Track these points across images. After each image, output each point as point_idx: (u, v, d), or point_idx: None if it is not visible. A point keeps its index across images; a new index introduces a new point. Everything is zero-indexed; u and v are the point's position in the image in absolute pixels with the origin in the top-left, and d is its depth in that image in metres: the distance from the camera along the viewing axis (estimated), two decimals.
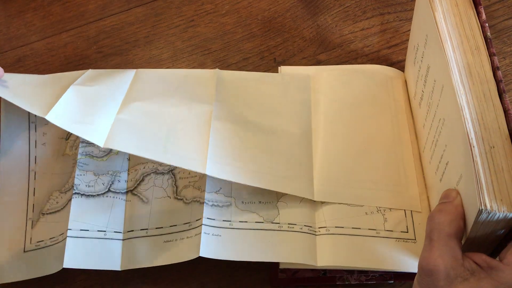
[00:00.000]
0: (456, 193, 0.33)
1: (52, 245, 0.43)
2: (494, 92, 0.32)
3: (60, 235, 0.43)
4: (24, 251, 0.44)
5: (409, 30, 0.55)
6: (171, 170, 0.46)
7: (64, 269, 0.41)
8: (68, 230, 0.42)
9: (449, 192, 0.34)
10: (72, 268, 0.41)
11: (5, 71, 0.50)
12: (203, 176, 0.44)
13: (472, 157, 0.30)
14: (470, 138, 0.31)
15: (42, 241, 0.44)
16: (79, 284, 0.45)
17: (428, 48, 0.40)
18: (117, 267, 0.42)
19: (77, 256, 0.41)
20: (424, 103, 0.43)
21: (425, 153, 0.44)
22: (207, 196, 0.43)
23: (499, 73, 0.33)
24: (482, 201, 0.28)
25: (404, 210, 0.43)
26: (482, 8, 0.36)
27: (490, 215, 0.29)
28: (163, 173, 0.46)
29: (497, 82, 0.33)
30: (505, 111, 0.31)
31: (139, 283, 0.45)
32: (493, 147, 0.30)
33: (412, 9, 0.56)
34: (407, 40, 0.55)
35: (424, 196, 0.44)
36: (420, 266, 0.31)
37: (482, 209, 0.28)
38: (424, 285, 0.30)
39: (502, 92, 0.32)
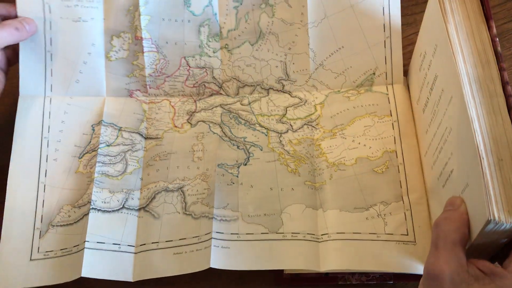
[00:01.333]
0: (461, 201, 0.34)
1: (64, 255, 0.46)
2: (503, 106, 0.34)
3: (74, 246, 0.46)
4: (30, 259, 0.46)
5: (411, 35, 0.57)
6: (180, 188, 0.48)
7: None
8: (86, 242, 0.45)
9: (454, 200, 0.35)
10: None
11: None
12: (210, 194, 0.47)
13: (482, 169, 0.31)
14: (479, 150, 0.32)
15: (52, 251, 0.46)
16: (95, 284, 0.46)
17: (437, 57, 0.41)
18: (130, 279, 0.45)
19: (94, 266, 0.44)
20: (428, 110, 0.44)
21: (426, 158, 0.45)
22: (215, 211, 0.46)
23: (509, 88, 0.34)
24: (490, 211, 0.30)
25: (404, 213, 0.44)
26: (493, 22, 0.37)
27: (497, 226, 0.30)
28: (173, 191, 0.48)
29: (507, 96, 0.34)
30: None
31: (153, 284, 0.46)
32: (502, 159, 0.32)
33: (413, 14, 0.58)
34: (409, 45, 0.56)
35: (423, 200, 0.45)
36: (426, 271, 0.32)
37: (490, 219, 0.30)
38: None
39: (511, 107, 0.33)
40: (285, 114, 0.51)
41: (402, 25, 0.58)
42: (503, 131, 0.33)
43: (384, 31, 0.50)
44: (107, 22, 0.51)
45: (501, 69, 0.35)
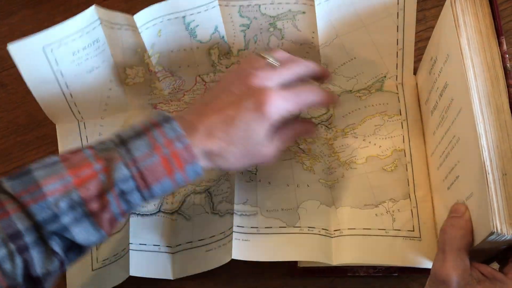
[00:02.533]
0: (465, 209, 0.37)
1: (116, 260, 0.50)
2: (509, 122, 0.36)
3: (122, 250, 0.50)
4: (92, 270, 0.51)
5: (420, 31, 0.58)
6: (207, 189, 0.52)
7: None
8: (130, 244, 0.49)
9: (459, 207, 0.38)
10: None
11: None
12: (232, 191, 0.50)
13: (487, 183, 0.34)
14: (486, 165, 0.35)
15: (107, 259, 0.51)
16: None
17: (448, 67, 0.43)
18: (169, 277, 0.50)
19: (139, 266, 0.48)
20: (437, 114, 0.46)
21: (433, 158, 0.48)
22: (236, 207, 0.49)
23: None
24: (493, 224, 0.33)
25: (411, 210, 0.47)
26: (504, 39, 0.39)
27: (499, 236, 0.33)
28: (200, 193, 0.52)
29: None
30: None
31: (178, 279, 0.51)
32: (505, 174, 0.35)
33: (423, 10, 0.59)
34: (418, 41, 0.57)
35: (428, 197, 0.48)
36: (433, 275, 0.36)
37: (493, 231, 0.33)
38: None
39: None
40: (300, 114, 0.53)
41: None
42: (508, 146, 0.35)
43: (397, 44, 0.50)
44: (117, 58, 0.50)
45: (509, 86, 0.37)
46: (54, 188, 0.35)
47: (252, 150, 0.40)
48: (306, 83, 0.45)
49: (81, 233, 0.36)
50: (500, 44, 0.39)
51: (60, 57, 0.48)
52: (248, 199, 0.50)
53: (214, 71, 0.53)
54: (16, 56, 0.46)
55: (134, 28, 0.47)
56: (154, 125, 0.38)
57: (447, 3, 0.42)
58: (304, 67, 0.44)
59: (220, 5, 0.48)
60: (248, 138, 0.40)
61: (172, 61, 0.52)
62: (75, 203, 0.35)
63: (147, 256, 0.49)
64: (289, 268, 0.49)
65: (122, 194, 0.37)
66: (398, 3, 0.47)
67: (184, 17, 0.48)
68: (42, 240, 0.35)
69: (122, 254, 0.50)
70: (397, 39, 0.49)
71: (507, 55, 0.38)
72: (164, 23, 0.48)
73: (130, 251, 0.49)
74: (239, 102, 0.39)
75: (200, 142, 0.38)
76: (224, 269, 0.48)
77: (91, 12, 0.46)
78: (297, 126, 0.46)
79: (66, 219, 0.35)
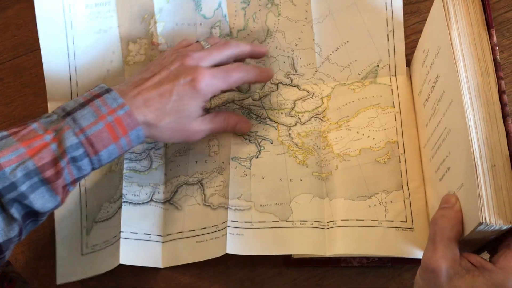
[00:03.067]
0: (456, 199, 0.38)
1: (107, 246, 0.50)
2: (499, 114, 0.37)
3: (113, 237, 0.50)
4: (82, 254, 0.51)
5: (414, 24, 0.58)
6: (199, 181, 0.52)
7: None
8: (121, 232, 0.49)
9: (449, 198, 0.39)
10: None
11: (35, 71, 0.58)
12: (226, 185, 0.51)
13: (476, 174, 0.35)
14: (475, 157, 0.35)
15: (97, 245, 0.51)
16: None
17: (440, 59, 0.43)
18: (159, 265, 0.50)
19: (130, 254, 0.49)
20: (429, 106, 0.47)
21: (425, 150, 0.49)
22: (230, 202, 0.50)
23: (505, 97, 0.37)
24: (483, 214, 0.33)
25: (404, 201, 0.48)
26: (494, 31, 0.39)
27: (488, 226, 0.34)
28: (193, 184, 0.52)
29: (502, 105, 0.37)
30: (507, 134, 0.36)
31: (173, 268, 0.51)
32: (495, 165, 0.35)
33: (417, 3, 0.59)
34: (412, 34, 0.57)
35: (421, 188, 0.49)
36: (424, 264, 0.36)
37: (482, 222, 0.33)
38: (426, 279, 0.36)
39: (506, 115, 0.36)
40: (294, 107, 0.54)
41: (405, 14, 0.59)
42: (498, 138, 0.36)
43: (387, 25, 0.52)
44: (123, 29, 0.54)
45: (499, 78, 0.38)
46: (9, 159, 0.37)
47: (184, 123, 0.45)
48: (240, 63, 0.50)
49: (39, 199, 0.38)
50: (490, 36, 0.39)
51: (74, 5, 0.52)
52: (242, 194, 0.50)
53: None
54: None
55: None
56: (96, 96, 0.42)
57: None
58: (235, 48, 0.49)
59: None
60: (182, 111, 0.45)
61: (175, 35, 0.54)
62: (31, 172, 0.38)
63: (137, 245, 0.50)
64: (284, 258, 0.50)
65: (74, 161, 0.40)
66: None
67: None
68: (2, 207, 0.37)
69: (112, 241, 0.50)
70: (387, 19, 0.52)
71: (497, 47, 0.39)
72: None
73: (120, 239, 0.49)
74: (174, 79, 0.44)
75: (138, 111, 0.43)
76: (219, 260, 0.49)
77: None
78: (232, 118, 0.51)
79: (23, 187, 0.37)
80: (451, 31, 0.40)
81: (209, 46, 0.49)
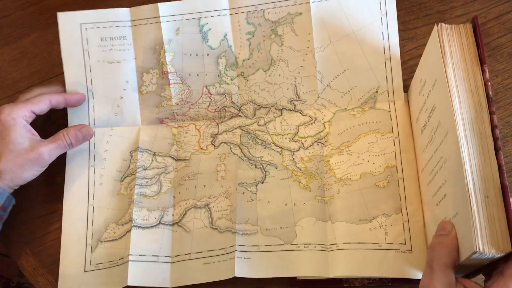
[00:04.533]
0: (452, 227, 0.40)
1: (112, 267, 0.53)
2: (491, 147, 0.39)
3: (119, 259, 0.53)
4: (84, 271, 0.53)
5: (411, 49, 0.61)
6: (207, 205, 0.54)
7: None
8: (130, 255, 0.52)
9: (445, 225, 0.41)
10: None
11: None
12: (233, 210, 0.53)
13: (470, 205, 0.37)
14: (469, 188, 0.37)
15: (101, 263, 0.53)
16: None
17: (436, 91, 0.45)
18: (168, 285, 0.52)
19: (138, 276, 0.51)
20: (426, 133, 0.49)
21: (423, 174, 0.51)
22: (237, 226, 0.52)
23: (497, 131, 0.39)
24: (477, 244, 0.36)
25: (403, 224, 0.50)
26: (486, 67, 0.42)
27: (482, 255, 0.36)
28: (200, 207, 0.54)
29: (495, 139, 0.39)
30: (499, 167, 0.38)
31: None
32: (488, 196, 0.37)
33: (414, 28, 0.61)
34: (409, 59, 0.60)
35: (419, 211, 0.51)
36: None
37: (476, 251, 0.35)
38: None
39: (498, 149, 0.38)
40: (297, 133, 0.56)
41: (403, 39, 0.61)
42: (490, 170, 0.38)
43: (384, 53, 0.55)
44: (138, 61, 0.58)
45: (491, 113, 0.40)
46: None
47: (21, 152, 0.51)
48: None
49: None
50: (483, 72, 0.42)
51: (90, 38, 0.58)
52: (249, 219, 0.53)
53: (220, 82, 0.57)
54: (61, 24, 0.58)
55: (157, 20, 0.57)
56: None
57: (434, 31, 0.44)
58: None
59: (231, 14, 0.56)
60: (8, 144, 0.51)
61: (184, 65, 0.58)
62: None
63: (146, 266, 0.52)
64: (289, 279, 0.52)
65: None
66: (380, 8, 0.54)
67: (199, 18, 0.56)
68: None
69: (119, 263, 0.53)
70: (384, 47, 0.55)
71: (489, 83, 0.41)
72: (182, 22, 0.56)
73: (129, 262, 0.52)
74: None
75: None
76: (227, 281, 0.51)
77: (125, 12, 0.58)
78: (70, 130, 0.55)
79: None
80: (446, 67, 0.42)
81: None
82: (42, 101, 0.54)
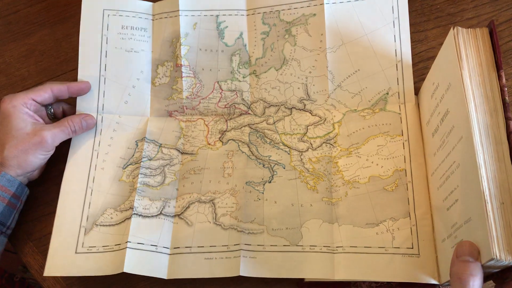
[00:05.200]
0: (478, 253, 0.38)
1: (105, 252, 0.52)
2: (507, 154, 0.38)
3: (115, 245, 0.52)
4: (75, 252, 0.52)
5: (422, 52, 0.60)
6: (212, 200, 0.54)
7: (125, 274, 0.50)
8: (128, 243, 0.51)
9: (472, 251, 0.38)
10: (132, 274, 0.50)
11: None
12: (239, 208, 0.53)
13: (486, 212, 0.37)
14: (485, 195, 0.37)
15: (95, 247, 0.52)
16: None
17: (450, 95, 0.45)
18: (164, 276, 0.51)
19: (134, 263, 0.50)
20: (438, 137, 0.49)
21: (433, 178, 0.50)
22: (244, 225, 0.52)
23: None
24: (494, 251, 0.35)
25: (411, 228, 0.50)
26: (503, 72, 0.41)
27: (497, 262, 0.36)
28: (205, 202, 0.54)
29: (510, 145, 0.39)
30: None
31: (189, 286, 0.53)
32: (503, 203, 0.37)
33: (425, 31, 0.61)
34: (419, 62, 0.59)
35: (428, 215, 0.50)
36: None
37: (493, 258, 0.35)
38: None
39: None
40: (306, 133, 0.55)
41: (413, 42, 0.61)
42: (506, 177, 0.38)
43: (396, 55, 0.55)
44: (154, 54, 0.58)
45: (507, 118, 0.40)
46: None
47: (24, 137, 0.51)
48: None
49: None
50: (499, 77, 0.41)
51: (111, 25, 0.58)
52: (255, 218, 0.52)
53: (232, 79, 0.57)
54: (84, 7, 0.59)
55: (176, 13, 0.58)
56: None
57: (450, 34, 0.44)
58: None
59: (248, 14, 0.57)
60: (10, 130, 0.51)
61: (198, 60, 0.58)
62: None
63: (143, 255, 0.51)
64: (297, 281, 0.52)
65: None
66: (393, 12, 0.55)
67: (217, 16, 0.57)
68: None
69: (114, 249, 0.52)
70: (395, 50, 0.55)
71: (505, 89, 0.41)
72: (201, 18, 0.57)
73: (127, 249, 0.51)
74: None
75: None
76: (233, 280, 0.51)
77: (148, 6, 0.59)
78: (75, 118, 0.55)
79: None
80: (462, 70, 0.42)
81: None
82: (43, 89, 0.54)
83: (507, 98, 0.40)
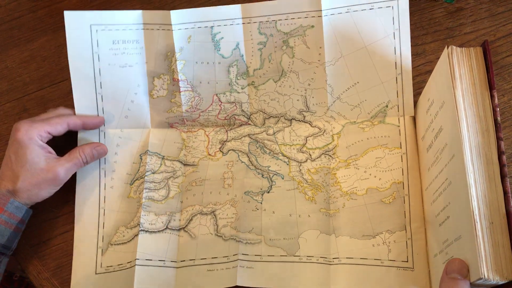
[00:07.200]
0: (467, 270, 0.38)
1: (120, 270, 0.53)
2: (497, 174, 0.39)
3: (127, 262, 0.53)
4: (95, 273, 0.54)
5: (419, 65, 0.61)
6: (213, 212, 0.55)
7: None
8: (137, 260, 0.52)
9: (461, 268, 0.39)
10: None
11: (59, 102, 0.61)
12: (238, 218, 0.54)
13: (475, 231, 0.37)
14: (474, 214, 0.38)
15: (111, 266, 0.54)
16: None
17: (444, 113, 0.46)
18: None
19: (144, 280, 0.52)
20: (432, 152, 0.49)
21: (427, 193, 0.51)
22: (241, 235, 0.52)
23: (504, 157, 0.39)
24: (482, 271, 0.36)
25: (406, 241, 0.51)
26: (496, 92, 0.42)
27: (485, 281, 0.36)
28: (206, 214, 0.55)
29: (501, 166, 0.39)
30: (505, 193, 0.38)
31: None
32: (492, 223, 0.38)
33: (423, 44, 0.61)
34: (417, 75, 0.60)
35: (422, 229, 0.51)
36: None
37: (481, 277, 0.36)
38: None
39: (504, 176, 0.39)
40: (305, 144, 0.56)
41: (411, 55, 0.60)
42: (496, 197, 0.39)
43: (396, 68, 0.55)
44: (149, 65, 0.58)
45: (498, 139, 0.40)
46: None
47: (37, 171, 0.52)
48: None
49: None
50: (492, 97, 0.42)
51: (101, 41, 0.56)
52: (253, 228, 0.53)
53: (230, 91, 0.58)
54: (67, 24, 0.55)
55: (169, 27, 0.56)
56: None
57: (444, 53, 0.44)
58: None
59: (243, 23, 0.56)
60: (25, 163, 0.51)
61: (195, 73, 0.58)
62: None
63: (152, 271, 0.53)
64: None
65: None
66: (393, 23, 0.54)
67: (212, 27, 0.56)
68: None
69: (127, 266, 0.53)
70: (395, 62, 0.55)
71: (497, 109, 0.41)
72: (194, 30, 0.56)
73: (136, 266, 0.52)
74: (7, 146, 0.53)
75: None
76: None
77: (138, 15, 0.56)
78: (85, 148, 0.55)
79: None
80: (455, 90, 0.42)
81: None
82: (60, 123, 0.54)
83: (499, 118, 0.41)
